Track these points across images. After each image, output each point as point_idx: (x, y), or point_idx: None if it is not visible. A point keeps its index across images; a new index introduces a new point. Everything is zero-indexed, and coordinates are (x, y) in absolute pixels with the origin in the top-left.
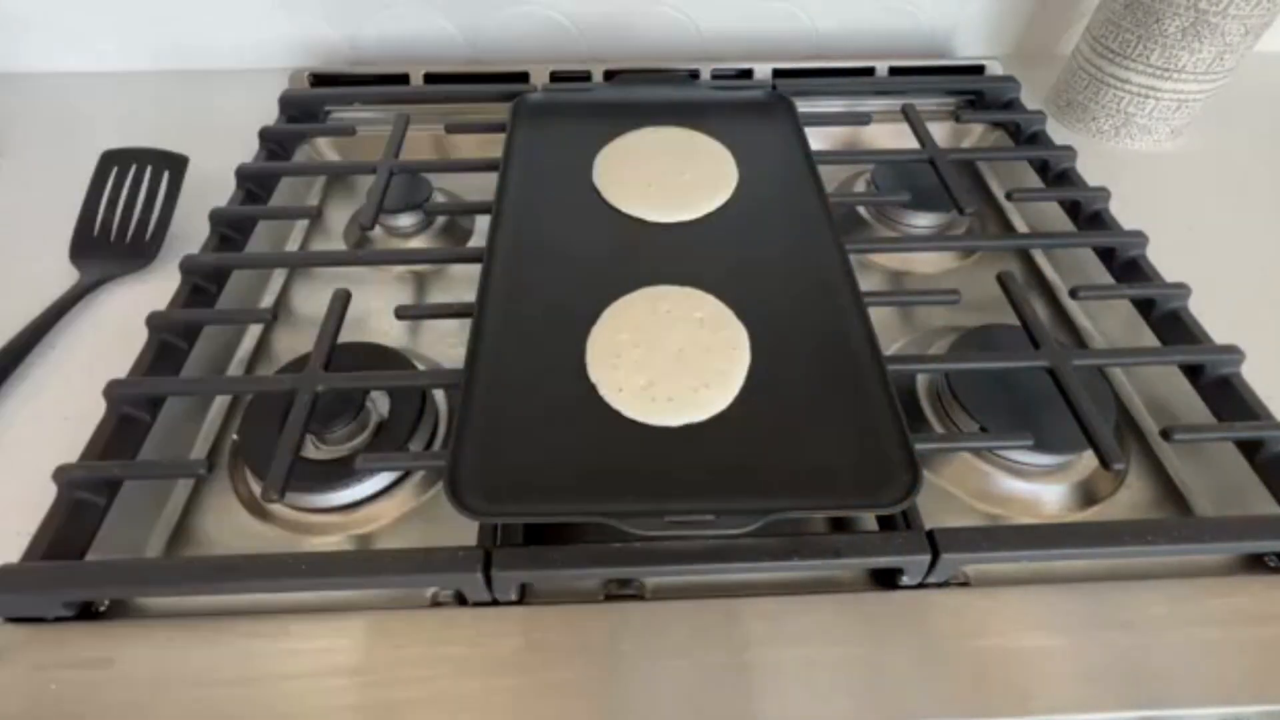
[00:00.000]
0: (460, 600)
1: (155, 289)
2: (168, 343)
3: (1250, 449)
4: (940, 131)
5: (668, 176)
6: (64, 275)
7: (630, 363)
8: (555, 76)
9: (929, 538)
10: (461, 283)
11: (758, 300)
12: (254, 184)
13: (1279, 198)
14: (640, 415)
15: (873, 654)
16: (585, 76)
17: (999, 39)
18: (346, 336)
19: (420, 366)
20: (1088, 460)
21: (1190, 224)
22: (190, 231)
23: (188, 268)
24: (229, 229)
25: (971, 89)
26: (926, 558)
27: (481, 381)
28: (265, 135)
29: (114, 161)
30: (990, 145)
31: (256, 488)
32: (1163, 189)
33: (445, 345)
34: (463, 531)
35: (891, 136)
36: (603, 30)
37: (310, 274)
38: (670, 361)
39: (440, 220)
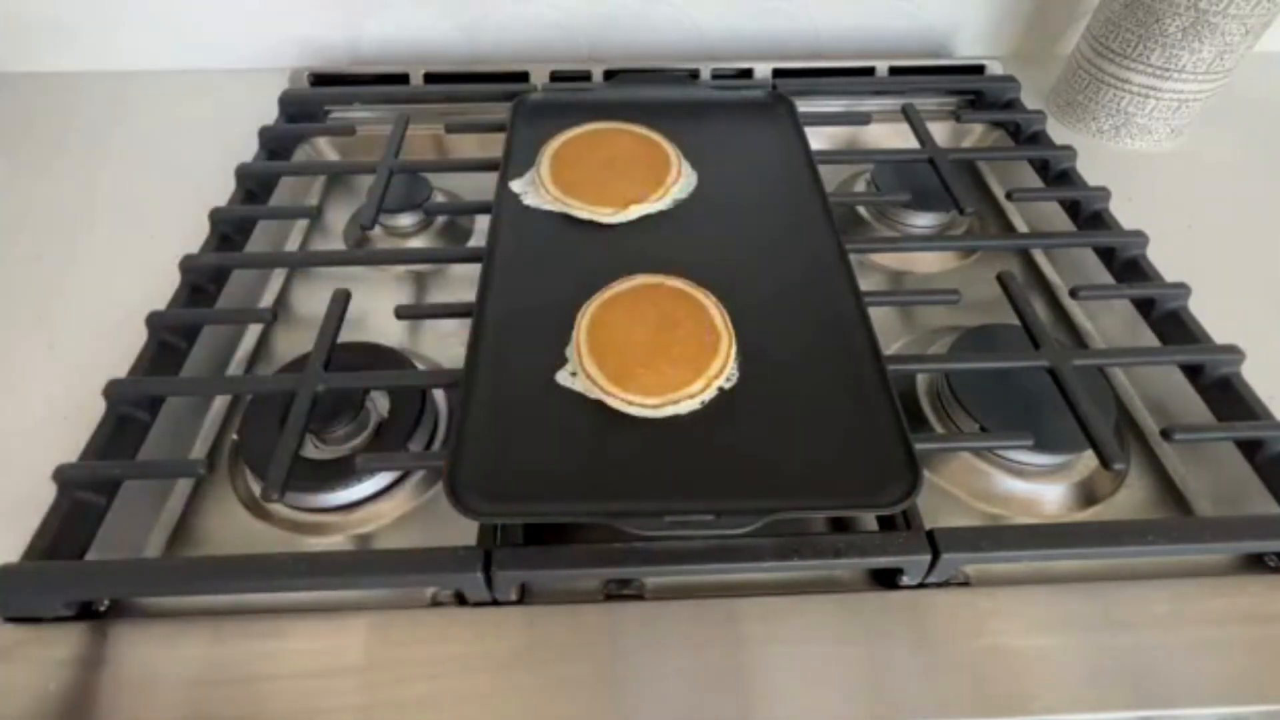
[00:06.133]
0: (460, 600)
1: None
2: (167, 342)
3: (1250, 449)
4: (940, 131)
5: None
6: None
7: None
8: (555, 76)
9: (929, 538)
10: (461, 283)
11: (758, 300)
12: (254, 184)
13: (1278, 198)
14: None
15: (872, 654)
16: (585, 76)
17: (999, 39)
18: (346, 336)
19: (420, 366)
20: (1088, 460)
21: (1190, 224)
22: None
23: (188, 267)
24: (229, 229)
25: (971, 89)
26: (926, 558)
27: (481, 381)
28: (265, 135)
29: None
30: (990, 145)
31: (256, 488)
32: (1163, 189)
33: (445, 345)
34: (463, 531)
35: (891, 136)
36: (603, 30)
37: (310, 274)
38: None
39: (440, 220)
